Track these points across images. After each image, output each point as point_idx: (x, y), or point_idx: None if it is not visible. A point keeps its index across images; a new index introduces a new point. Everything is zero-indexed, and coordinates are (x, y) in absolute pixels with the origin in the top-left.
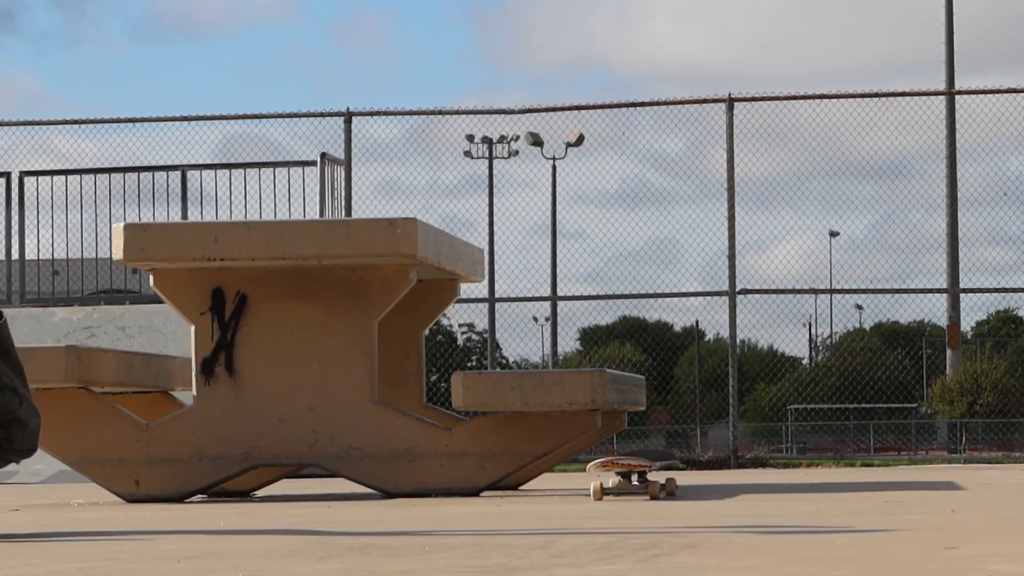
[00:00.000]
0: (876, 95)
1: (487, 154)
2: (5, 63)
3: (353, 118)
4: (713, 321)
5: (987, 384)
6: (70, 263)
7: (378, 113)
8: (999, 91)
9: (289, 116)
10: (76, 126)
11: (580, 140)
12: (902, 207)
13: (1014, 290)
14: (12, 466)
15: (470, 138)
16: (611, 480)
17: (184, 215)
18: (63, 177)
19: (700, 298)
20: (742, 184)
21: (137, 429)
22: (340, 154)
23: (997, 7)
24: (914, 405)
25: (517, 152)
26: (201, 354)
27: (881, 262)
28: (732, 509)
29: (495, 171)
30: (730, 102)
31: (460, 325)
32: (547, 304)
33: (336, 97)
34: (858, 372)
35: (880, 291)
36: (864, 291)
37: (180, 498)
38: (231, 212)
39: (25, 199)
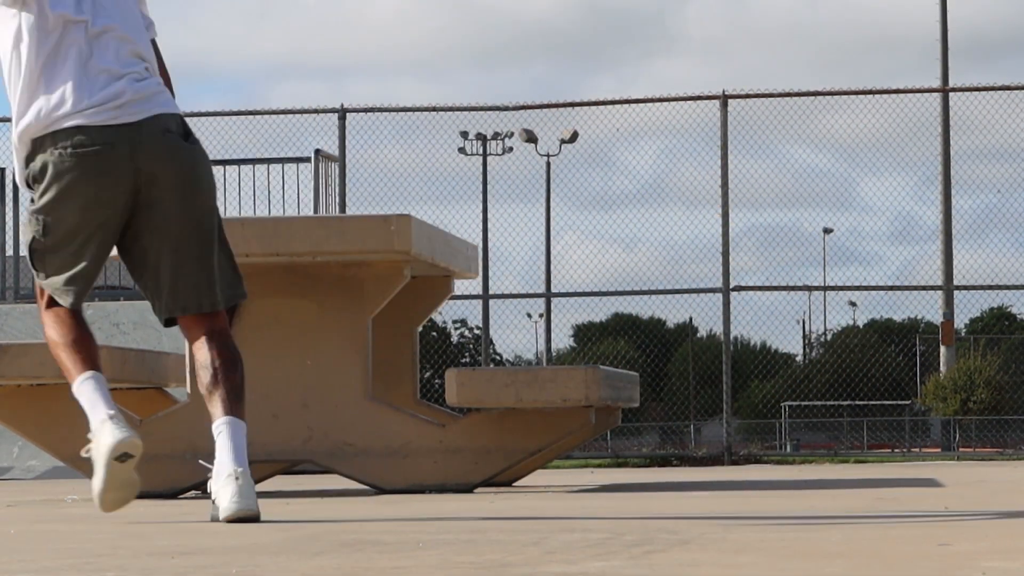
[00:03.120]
0: (871, 92)
1: (481, 151)
2: None
3: (347, 114)
4: (706, 318)
5: (980, 381)
6: None
7: (372, 109)
8: (993, 88)
9: (283, 112)
10: None
11: (574, 137)
12: (896, 202)
13: (1008, 287)
14: (6, 462)
15: (464, 135)
16: None
17: None
18: None
19: (693, 295)
20: (736, 181)
21: (131, 425)
22: (334, 150)
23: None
24: (907, 402)
25: (511, 149)
26: None
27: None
28: (726, 506)
29: (489, 167)
30: (724, 99)
31: (454, 321)
32: (541, 300)
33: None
34: (852, 369)
35: (873, 288)
36: (858, 288)
37: (174, 494)
38: (225, 208)
39: (20, 195)
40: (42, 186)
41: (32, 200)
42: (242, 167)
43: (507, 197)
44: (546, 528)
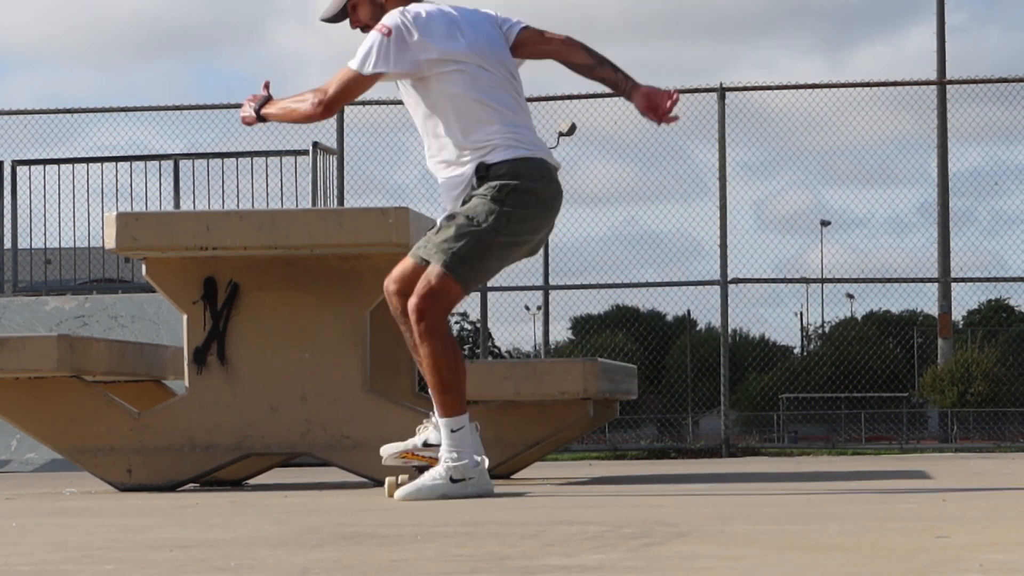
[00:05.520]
0: (868, 84)
1: None
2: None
3: (345, 107)
4: (705, 310)
5: (978, 373)
6: (62, 252)
7: (371, 102)
8: (990, 80)
9: None
10: (69, 115)
11: (572, 129)
12: (893, 196)
13: (1005, 279)
14: (5, 455)
15: None
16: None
17: (176, 204)
18: (56, 166)
19: (692, 287)
20: (733, 173)
21: (129, 418)
22: (332, 143)
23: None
24: (905, 394)
25: None
26: (193, 343)
27: (872, 250)
28: (724, 498)
29: None
30: (721, 91)
31: (453, 314)
32: (539, 293)
33: None
34: (850, 361)
35: (871, 280)
36: (855, 280)
37: (172, 487)
38: (223, 201)
39: (17, 188)
40: None
41: None
42: (240, 160)
43: None
44: (544, 521)
